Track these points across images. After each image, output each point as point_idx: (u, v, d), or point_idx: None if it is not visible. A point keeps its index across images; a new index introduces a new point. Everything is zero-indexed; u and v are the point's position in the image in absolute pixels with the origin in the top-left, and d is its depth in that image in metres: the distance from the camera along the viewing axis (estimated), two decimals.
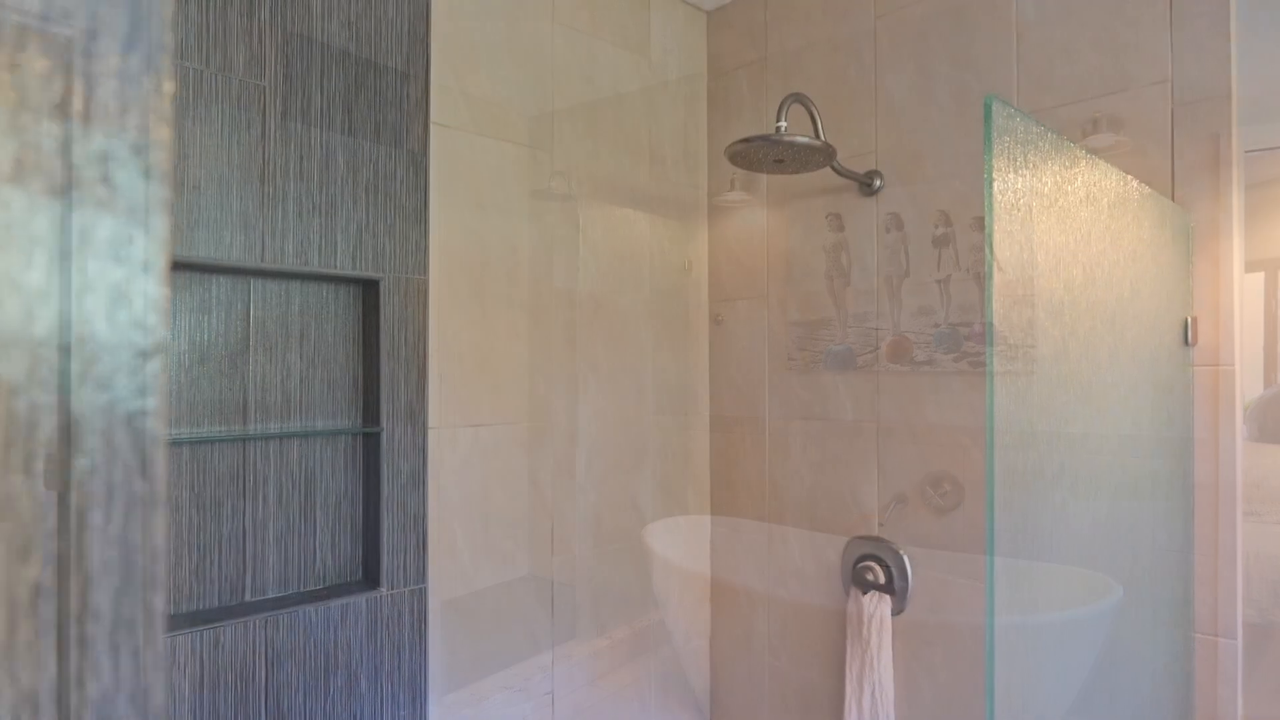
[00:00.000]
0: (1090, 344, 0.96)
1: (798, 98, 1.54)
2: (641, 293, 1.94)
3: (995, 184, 0.77)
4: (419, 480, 1.52)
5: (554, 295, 1.76)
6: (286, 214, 1.36)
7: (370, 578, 1.49)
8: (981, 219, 1.56)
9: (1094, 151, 1.36)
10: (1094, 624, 1.00)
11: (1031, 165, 0.84)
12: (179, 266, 1.28)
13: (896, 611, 1.68)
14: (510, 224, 1.68)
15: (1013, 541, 0.81)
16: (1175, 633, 1.26)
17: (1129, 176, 1.09)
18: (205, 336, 1.33)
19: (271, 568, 1.40)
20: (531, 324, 1.72)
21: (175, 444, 1.29)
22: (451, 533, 1.57)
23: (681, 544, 2.04)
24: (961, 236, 1.60)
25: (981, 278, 1.57)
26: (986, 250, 0.77)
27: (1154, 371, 1.16)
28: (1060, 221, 0.90)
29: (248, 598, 1.38)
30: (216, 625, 1.27)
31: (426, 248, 1.54)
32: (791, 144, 1.43)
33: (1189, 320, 1.30)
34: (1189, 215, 1.31)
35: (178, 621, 1.26)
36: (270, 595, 1.40)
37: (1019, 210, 0.81)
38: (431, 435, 1.54)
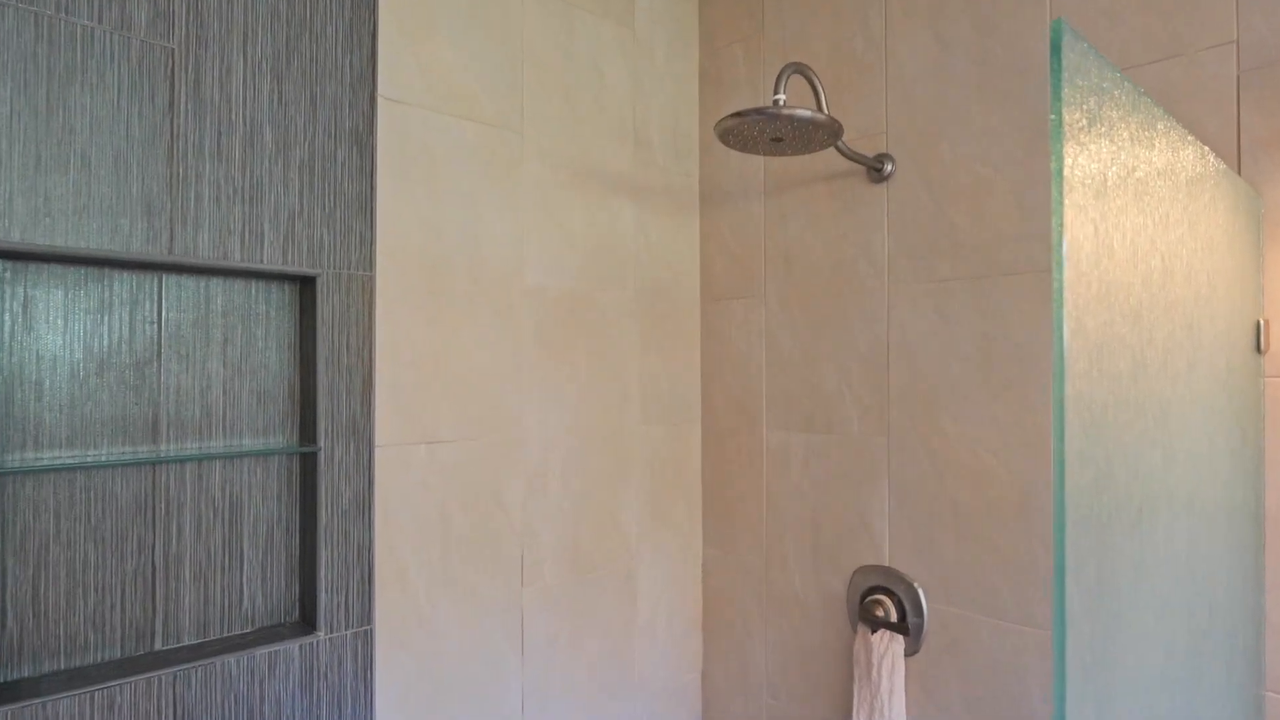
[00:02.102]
0: (1169, 353, 0.76)
1: (798, 68, 1.35)
2: (625, 291, 1.74)
3: (1066, 142, 0.58)
4: (364, 506, 1.32)
5: (525, 294, 1.56)
6: (201, 199, 1.16)
7: (307, 619, 1.30)
8: (1011, 208, 1.37)
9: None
10: (1166, 689, 0.80)
11: (1107, 121, 0.64)
12: (64, 259, 1.08)
13: (910, 652, 1.49)
14: (473, 214, 1.48)
15: (1077, 593, 0.62)
16: (1243, 690, 1.07)
17: (1206, 148, 0.89)
18: (104, 342, 1.13)
19: (188, 610, 1.21)
20: (499, 326, 1.52)
21: (65, 469, 1.09)
22: (403, 565, 1.38)
23: (670, 568, 1.84)
24: (985, 227, 1.40)
25: (1020, 272, 1.38)
26: (1054, 227, 0.58)
27: (1228, 385, 0.97)
28: (1137, 199, 0.70)
29: (158, 646, 1.18)
30: (110, 684, 1.07)
31: (373, 240, 1.34)
32: (791, 119, 1.24)
33: (1261, 323, 1.10)
34: (1259, 199, 1.12)
35: (63, 680, 1.06)
36: (187, 643, 1.21)
37: (1091, 180, 0.62)
38: (379, 454, 1.34)
